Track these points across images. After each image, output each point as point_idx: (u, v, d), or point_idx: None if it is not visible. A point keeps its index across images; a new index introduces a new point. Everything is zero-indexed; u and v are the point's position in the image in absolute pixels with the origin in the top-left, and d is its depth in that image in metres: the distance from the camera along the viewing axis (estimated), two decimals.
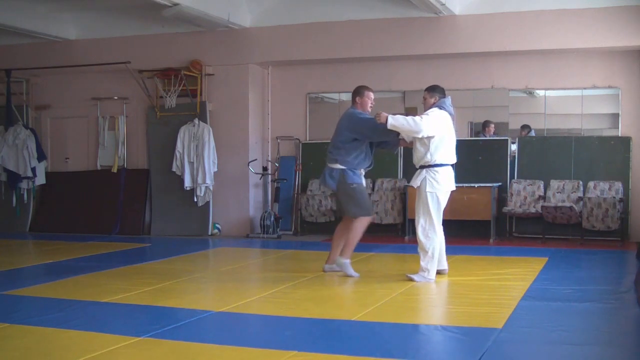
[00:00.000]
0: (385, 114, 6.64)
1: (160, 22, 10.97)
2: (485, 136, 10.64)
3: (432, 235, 6.69)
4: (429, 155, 6.65)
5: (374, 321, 5.28)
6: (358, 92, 7.11)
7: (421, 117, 6.62)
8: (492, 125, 10.63)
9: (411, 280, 6.67)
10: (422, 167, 6.72)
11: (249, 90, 11.26)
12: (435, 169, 6.68)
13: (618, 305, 5.85)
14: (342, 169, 6.94)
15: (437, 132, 6.63)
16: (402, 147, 7.70)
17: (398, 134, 6.83)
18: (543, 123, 10.64)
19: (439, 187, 6.69)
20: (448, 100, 6.90)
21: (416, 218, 6.80)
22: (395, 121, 6.62)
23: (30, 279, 7.42)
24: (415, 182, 6.76)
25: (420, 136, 6.61)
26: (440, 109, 6.76)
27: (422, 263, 6.72)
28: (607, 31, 9.60)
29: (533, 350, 4.55)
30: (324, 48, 10.88)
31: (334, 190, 7.18)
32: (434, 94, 6.88)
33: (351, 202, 6.96)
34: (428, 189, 6.66)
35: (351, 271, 6.99)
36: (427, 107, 6.85)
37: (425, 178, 6.67)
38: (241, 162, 11.16)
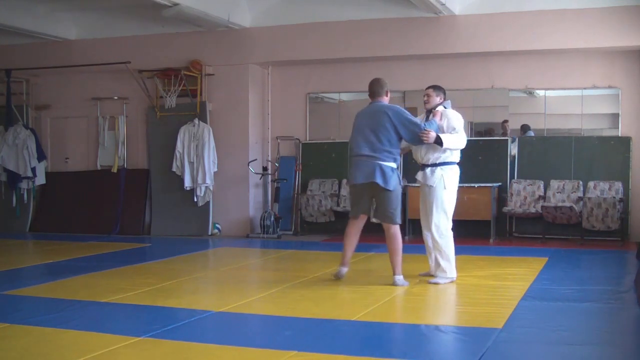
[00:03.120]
0: (434, 134, 6.46)
1: (160, 22, 10.97)
2: (503, 135, 10.58)
3: (446, 233, 6.64)
4: (448, 152, 6.61)
5: (374, 321, 5.28)
6: (386, 85, 6.71)
7: (458, 132, 6.60)
8: (508, 124, 10.62)
9: (436, 284, 6.59)
10: (437, 164, 6.64)
11: (249, 90, 11.25)
12: (450, 166, 6.67)
13: (618, 305, 5.85)
14: (395, 169, 6.56)
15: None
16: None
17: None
18: (543, 123, 10.63)
19: (455, 184, 6.70)
20: (449, 103, 6.91)
21: (427, 218, 6.67)
22: (451, 143, 6.53)
23: (30, 279, 7.41)
24: (432, 181, 6.62)
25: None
26: (446, 109, 6.76)
27: (442, 263, 6.66)
28: (607, 31, 9.60)
29: (533, 350, 4.55)
30: (324, 48, 10.88)
31: (386, 191, 6.48)
32: (440, 92, 6.83)
33: (398, 207, 6.60)
34: (447, 186, 6.61)
35: (405, 282, 6.59)
36: (431, 105, 6.77)
37: (442, 176, 6.61)
38: (241, 162, 11.16)
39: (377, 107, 6.67)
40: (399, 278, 6.56)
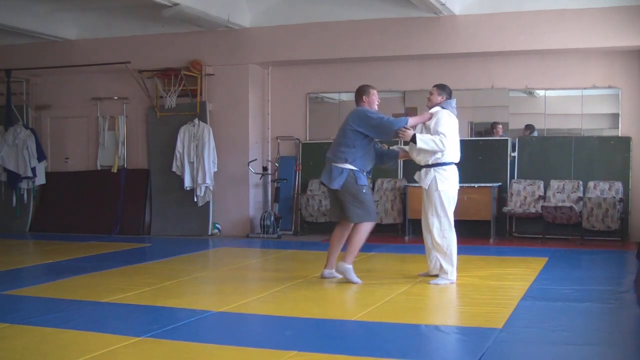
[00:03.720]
0: (412, 132, 6.52)
1: (160, 22, 10.97)
2: (494, 137, 10.58)
3: (448, 235, 6.62)
4: (439, 153, 6.58)
5: (374, 321, 5.28)
6: (364, 91, 6.89)
7: (441, 138, 6.51)
8: (500, 126, 10.59)
9: (437, 285, 6.57)
10: (430, 165, 6.63)
11: (249, 90, 11.25)
12: (444, 167, 6.63)
13: (618, 305, 5.85)
14: (352, 169, 6.61)
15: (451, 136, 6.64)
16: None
17: (397, 134, 6.64)
18: (543, 123, 10.63)
19: (450, 184, 6.66)
20: (453, 102, 6.86)
21: (428, 220, 6.66)
22: (425, 143, 6.50)
23: (30, 279, 7.42)
24: (425, 182, 6.62)
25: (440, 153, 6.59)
26: (444, 109, 6.72)
27: (444, 265, 6.65)
28: (607, 31, 9.60)
29: (533, 350, 4.55)
30: (324, 48, 10.88)
31: (337, 190, 6.65)
32: (443, 92, 6.79)
33: (358, 206, 6.64)
34: (440, 187, 6.58)
35: (354, 277, 6.71)
36: (432, 104, 6.76)
37: (435, 177, 6.59)
38: (241, 162, 11.16)
39: (349, 114, 6.91)
40: (349, 268, 6.70)
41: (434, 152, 6.58)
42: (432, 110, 6.75)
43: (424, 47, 10.43)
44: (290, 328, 5.06)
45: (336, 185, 6.63)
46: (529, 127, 10.62)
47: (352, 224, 6.78)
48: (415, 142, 6.55)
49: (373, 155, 6.89)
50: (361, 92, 6.92)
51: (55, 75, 12.06)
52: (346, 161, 6.64)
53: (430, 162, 6.63)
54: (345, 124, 6.80)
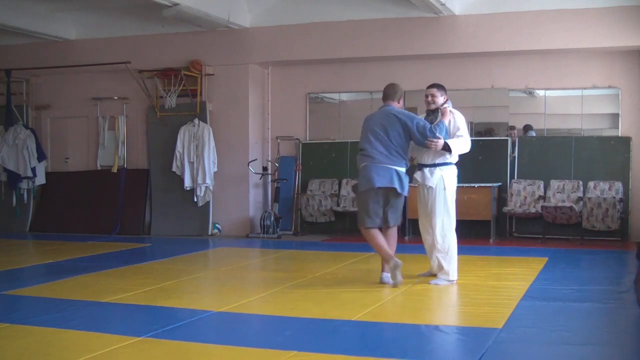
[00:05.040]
0: (442, 140, 6.39)
1: (160, 22, 10.98)
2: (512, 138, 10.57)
3: (449, 234, 6.61)
4: (447, 155, 6.54)
5: (374, 321, 5.28)
6: (400, 92, 6.71)
7: (462, 135, 6.54)
8: (515, 130, 10.58)
9: (437, 285, 6.55)
10: (436, 165, 6.57)
11: (249, 90, 11.26)
12: (449, 166, 6.62)
13: (618, 305, 5.85)
14: (405, 174, 6.54)
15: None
16: None
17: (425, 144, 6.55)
18: (543, 123, 10.63)
19: (454, 183, 6.67)
20: (450, 102, 6.85)
21: (431, 220, 6.62)
22: (459, 149, 6.52)
23: (30, 279, 7.42)
24: (431, 181, 6.55)
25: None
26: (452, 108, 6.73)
27: (444, 265, 6.63)
28: (607, 31, 9.60)
29: (533, 350, 4.55)
30: (324, 48, 10.88)
31: (400, 195, 6.52)
32: (443, 91, 6.72)
33: (400, 210, 6.68)
34: (447, 186, 6.56)
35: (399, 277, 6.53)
36: (436, 106, 6.63)
37: (441, 177, 6.55)
38: (241, 162, 11.17)
39: (388, 111, 6.60)
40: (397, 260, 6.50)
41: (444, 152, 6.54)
42: (446, 107, 6.65)
43: (424, 47, 10.43)
44: (290, 328, 5.06)
45: (406, 191, 6.54)
46: (526, 127, 10.63)
47: (388, 228, 6.68)
48: (448, 150, 6.45)
49: None
50: (397, 93, 6.71)
51: (55, 75, 12.07)
52: (406, 165, 6.54)
53: (436, 162, 6.58)
54: (397, 126, 6.46)
